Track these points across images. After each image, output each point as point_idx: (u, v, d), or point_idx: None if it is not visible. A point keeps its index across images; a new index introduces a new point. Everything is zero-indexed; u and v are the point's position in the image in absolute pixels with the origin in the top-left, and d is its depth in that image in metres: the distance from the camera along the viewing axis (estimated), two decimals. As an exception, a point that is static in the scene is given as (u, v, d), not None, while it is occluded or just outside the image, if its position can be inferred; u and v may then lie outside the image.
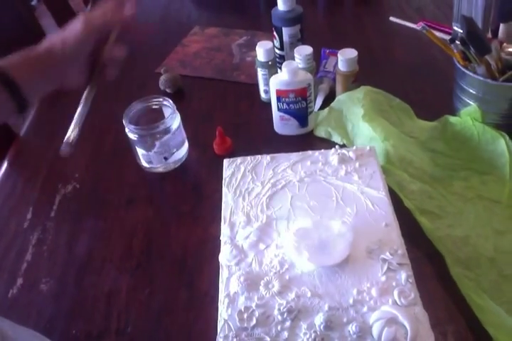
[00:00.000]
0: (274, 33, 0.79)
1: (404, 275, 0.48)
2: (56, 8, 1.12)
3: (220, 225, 0.58)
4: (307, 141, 0.72)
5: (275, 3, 0.76)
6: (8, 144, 0.78)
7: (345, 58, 0.71)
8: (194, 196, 0.65)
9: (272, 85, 0.69)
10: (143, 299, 0.53)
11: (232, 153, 0.70)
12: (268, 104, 0.79)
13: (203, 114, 0.78)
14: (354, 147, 0.63)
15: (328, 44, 0.84)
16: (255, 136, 0.74)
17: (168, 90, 0.82)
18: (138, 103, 0.68)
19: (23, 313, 0.53)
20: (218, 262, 0.53)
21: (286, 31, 0.77)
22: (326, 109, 0.74)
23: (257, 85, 0.80)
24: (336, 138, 0.71)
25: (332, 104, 0.74)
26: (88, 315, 0.53)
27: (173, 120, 0.66)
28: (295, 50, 0.74)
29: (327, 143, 0.70)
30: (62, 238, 0.61)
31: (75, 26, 0.51)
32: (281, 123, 0.72)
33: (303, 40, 0.79)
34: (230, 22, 1.02)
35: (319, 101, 0.76)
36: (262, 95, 0.79)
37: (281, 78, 0.68)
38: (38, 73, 0.49)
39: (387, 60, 0.87)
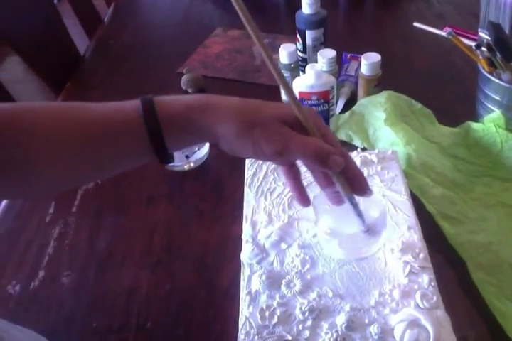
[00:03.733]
0: (298, 36, 0.80)
1: (426, 279, 0.48)
2: (80, 7, 1.14)
3: (241, 225, 0.58)
4: (328, 144, 0.72)
5: (298, 7, 0.77)
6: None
7: (368, 62, 0.71)
8: (215, 195, 0.65)
9: (295, 87, 0.69)
10: (163, 295, 0.54)
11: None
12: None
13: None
14: (376, 150, 0.63)
15: (350, 48, 0.84)
16: (276, 137, 0.74)
17: (189, 90, 0.83)
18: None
19: (44, 305, 0.54)
20: (239, 261, 0.53)
21: (309, 34, 0.78)
22: (348, 113, 0.75)
23: (278, 87, 0.80)
24: (357, 142, 0.71)
25: (354, 108, 0.74)
26: (108, 309, 0.53)
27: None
28: (318, 53, 0.74)
29: (348, 147, 0.71)
30: (83, 233, 0.61)
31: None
32: (303, 126, 0.72)
33: (325, 44, 0.80)
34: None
35: (340, 105, 0.76)
36: (284, 97, 0.80)
37: (304, 80, 0.69)
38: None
39: (409, 65, 0.87)
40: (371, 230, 0.46)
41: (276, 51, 0.92)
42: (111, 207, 0.65)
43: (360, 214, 0.44)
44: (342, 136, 0.72)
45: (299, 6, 0.77)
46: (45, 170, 0.37)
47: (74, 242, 0.60)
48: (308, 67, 0.68)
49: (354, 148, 0.70)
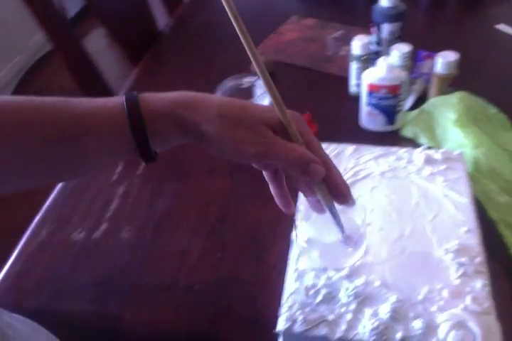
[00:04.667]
0: (373, 29, 0.79)
1: (480, 283, 0.47)
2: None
3: (295, 205, 0.60)
4: (391, 139, 0.71)
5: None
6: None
7: (445, 60, 0.70)
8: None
9: (365, 79, 0.69)
10: (213, 263, 0.56)
11: (315, 141, 0.71)
12: (356, 98, 0.79)
13: (291, 99, 0.79)
14: (442, 149, 0.62)
15: (425, 45, 0.82)
16: (341, 127, 0.75)
17: (260, 73, 0.85)
18: (231, 80, 0.70)
19: (102, 257, 0.58)
20: (289, 240, 0.55)
21: (386, 28, 0.77)
22: (417, 110, 0.74)
23: (347, 79, 0.81)
24: (423, 140, 0.70)
25: (424, 106, 0.73)
26: (160, 268, 0.56)
27: (264, 99, 0.68)
28: (393, 47, 0.73)
29: (412, 144, 0.70)
30: (145, 194, 0.65)
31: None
32: (369, 118, 0.72)
33: (401, 38, 0.79)
34: (327, 15, 1.02)
35: (410, 102, 0.75)
36: (352, 89, 0.80)
37: (375, 73, 0.68)
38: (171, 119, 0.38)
39: (486, 68, 0.84)
40: (350, 240, 0.46)
41: (351, 42, 0.93)
42: (173, 175, 0.68)
43: (339, 224, 0.43)
44: (408, 133, 0.71)
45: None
46: (27, 169, 0.37)
47: (136, 202, 0.63)
48: (380, 60, 0.68)
49: (418, 146, 0.70)
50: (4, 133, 0.35)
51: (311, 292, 0.48)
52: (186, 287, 0.54)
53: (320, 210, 0.44)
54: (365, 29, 0.96)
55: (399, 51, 0.72)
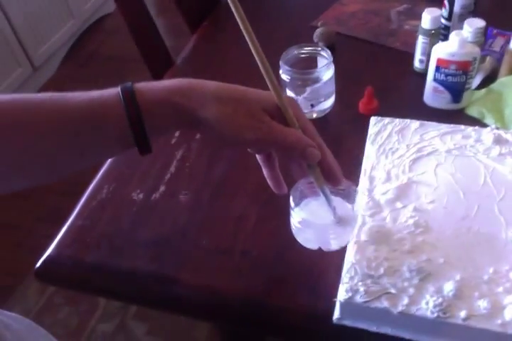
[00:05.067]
0: (445, 1, 0.75)
1: (549, 267, 0.46)
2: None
3: (355, 181, 0.59)
4: (456, 118, 0.69)
5: None
6: (166, 69, 0.84)
7: (523, 38, 0.66)
8: (333, 148, 0.64)
9: (434, 53, 0.66)
10: (270, 230, 0.56)
11: (376, 115, 0.70)
12: (420, 74, 0.76)
13: (352, 72, 0.78)
14: (513, 130, 0.59)
15: (498, 22, 0.78)
16: (402, 103, 0.72)
17: (320, 43, 0.82)
18: (295, 48, 0.69)
19: (161, 218, 0.59)
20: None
21: (459, 1, 0.73)
22: (484, 90, 0.70)
23: (411, 54, 0.78)
24: (489, 121, 0.67)
25: (492, 85, 0.70)
26: (218, 232, 0.56)
27: (328, 70, 0.67)
28: (466, 22, 0.70)
29: (478, 124, 0.67)
30: (203, 159, 0.65)
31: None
32: (434, 95, 0.70)
33: (474, 13, 0.75)
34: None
35: (478, 80, 0.72)
36: (416, 64, 0.77)
37: (446, 47, 0.65)
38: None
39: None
40: (342, 221, 0.46)
41: (417, 17, 0.89)
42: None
43: (331, 206, 0.45)
44: (474, 112, 0.69)
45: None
46: (27, 168, 0.37)
47: (194, 166, 0.64)
48: (453, 34, 0.64)
49: (484, 126, 0.67)
50: (4, 134, 0.36)
51: (373, 264, 0.47)
52: (243, 252, 0.54)
53: (313, 192, 0.46)
54: (431, 3, 0.92)
55: (472, 26, 0.69)
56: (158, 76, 0.90)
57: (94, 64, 1.98)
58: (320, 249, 0.50)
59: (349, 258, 0.48)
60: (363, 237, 0.50)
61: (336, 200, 0.46)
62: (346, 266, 0.48)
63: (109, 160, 0.66)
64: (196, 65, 0.85)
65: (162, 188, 0.61)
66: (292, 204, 0.48)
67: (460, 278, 0.46)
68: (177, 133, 0.69)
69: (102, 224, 0.58)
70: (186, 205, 0.60)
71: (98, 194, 0.62)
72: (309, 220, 0.48)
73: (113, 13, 2.20)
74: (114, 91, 0.37)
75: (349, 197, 0.48)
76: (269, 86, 0.39)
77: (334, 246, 0.50)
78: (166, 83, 0.39)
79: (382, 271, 0.47)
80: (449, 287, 0.45)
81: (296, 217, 0.48)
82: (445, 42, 0.66)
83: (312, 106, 0.68)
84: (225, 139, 0.39)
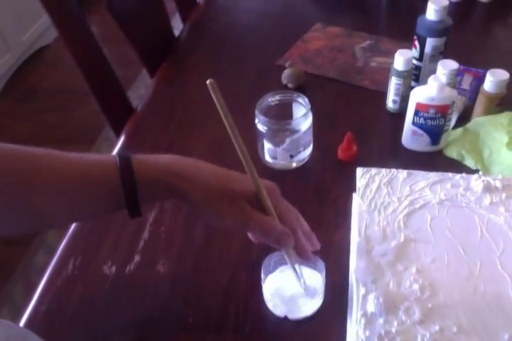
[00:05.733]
0: (416, 42, 0.75)
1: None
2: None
3: (344, 234, 0.56)
4: (436, 160, 0.68)
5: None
6: (126, 119, 0.78)
7: (495, 79, 0.66)
8: (316, 199, 0.62)
9: (413, 97, 0.65)
10: (263, 299, 0.51)
11: (356, 161, 0.67)
12: (395, 114, 0.75)
13: (325, 115, 0.75)
14: (500, 176, 0.59)
15: (466, 60, 0.78)
16: (380, 146, 0.71)
17: (289, 85, 0.80)
18: (270, 95, 0.65)
19: (138, 294, 0.52)
20: (341, 273, 0.51)
21: (430, 42, 0.73)
22: (460, 129, 0.70)
23: (382, 93, 0.77)
24: (470, 163, 0.66)
25: (468, 125, 0.70)
26: (206, 306, 0.51)
27: (306, 119, 0.63)
28: (440, 64, 0.69)
29: (458, 165, 0.66)
30: (179, 220, 0.59)
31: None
32: (413, 138, 0.68)
33: (444, 54, 0.75)
34: (351, 22, 0.98)
35: (453, 120, 0.72)
36: (390, 104, 0.75)
37: (425, 92, 0.64)
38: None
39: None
40: (311, 292, 0.49)
41: (382, 54, 0.88)
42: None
43: (301, 281, 0.48)
44: (453, 154, 0.68)
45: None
46: (13, 220, 0.40)
47: (170, 229, 0.58)
48: (431, 79, 0.64)
49: (464, 167, 0.66)
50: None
51: (386, 340, 0.44)
52: (236, 330, 0.49)
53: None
54: (393, 40, 0.93)
55: (445, 68, 0.68)
56: (110, 110, 0.83)
57: (36, 98, 1.85)
58: (286, 318, 0.49)
59: (359, 334, 0.44)
60: (370, 309, 0.46)
61: (306, 271, 0.50)
62: (356, 344, 0.44)
63: (72, 228, 0.59)
64: (159, 112, 0.79)
65: (137, 258, 0.55)
66: (262, 275, 0.49)
67: (476, 349, 0.43)
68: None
69: (71, 307, 0.51)
70: (167, 276, 0.53)
71: (63, 270, 0.54)
72: (280, 290, 0.50)
73: (52, 44, 2.09)
74: (112, 160, 0.41)
75: (318, 267, 0.50)
76: (251, 178, 0.42)
77: (302, 314, 0.49)
78: (164, 161, 0.43)
79: (395, 348, 0.43)
80: (467, 360, 0.42)
81: (268, 284, 0.49)
82: (423, 87, 0.65)
83: (291, 156, 0.64)
84: (208, 219, 0.44)
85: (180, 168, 0.43)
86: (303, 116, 0.62)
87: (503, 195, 0.56)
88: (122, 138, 0.74)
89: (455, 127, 0.71)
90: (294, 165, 0.66)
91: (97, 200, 0.42)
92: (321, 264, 0.49)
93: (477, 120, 0.69)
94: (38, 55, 2.04)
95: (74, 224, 0.59)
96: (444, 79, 0.67)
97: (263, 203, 0.43)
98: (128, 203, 0.41)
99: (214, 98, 0.38)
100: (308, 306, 0.49)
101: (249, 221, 0.43)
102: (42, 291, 0.52)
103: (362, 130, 0.72)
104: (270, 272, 0.51)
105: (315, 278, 0.50)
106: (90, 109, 1.63)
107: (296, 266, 0.47)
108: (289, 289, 0.49)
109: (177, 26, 1.06)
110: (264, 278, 0.49)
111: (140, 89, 1.79)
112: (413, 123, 0.67)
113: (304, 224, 0.47)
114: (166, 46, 0.94)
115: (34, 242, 1.34)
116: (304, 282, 0.49)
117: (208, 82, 0.37)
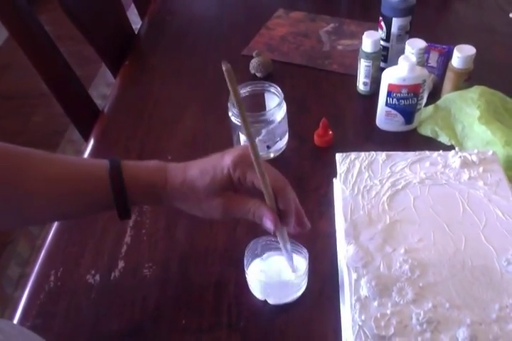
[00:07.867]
0: (381, 23, 0.75)
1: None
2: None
3: (328, 222, 0.56)
4: (411, 139, 0.68)
5: None
6: (92, 119, 0.75)
7: (462, 55, 0.67)
8: (298, 188, 0.61)
9: (385, 79, 0.65)
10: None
11: (332, 146, 0.67)
12: (366, 96, 0.75)
13: (297, 102, 0.74)
14: (475, 150, 0.59)
15: (434, 39, 0.78)
16: (355, 129, 0.70)
17: (258, 74, 0.79)
18: (242, 87, 0.64)
19: (126, 301, 0.50)
20: (330, 261, 0.51)
21: (396, 22, 0.73)
22: (431, 107, 0.71)
23: (352, 76, 0.76)
24: (444, 139, 0.67)
25: (438, 102, 0.70)
26: (197, 306, 0.50)
27: (280, 109, 0.62)
28: (407, 43, 0.70)
29: (432, 142, 0.67)
30: (160, 221, 0.58)
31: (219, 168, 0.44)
32: (386, 119, 0.68)
33: (410, 33, 0.75)
34: (313, 6, 0.97)
35: (424, 99, 0.72)
36: (360, 87, 0.75)
37: (396, 72, 0.64)
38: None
39: (502, 61, 0.81)
40: (299, 275, 0.49)
41: (347, 36, 0.88)
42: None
43: (291, 262, 0.49)
44: (427, 131, 0.68)
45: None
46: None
47: (152, 231, 0.56)
48: (401, 59, 0.64)
49: (439, 144, 0.67)
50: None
51: (382, 323, 0.43)
52: (230, 325, 0.48)
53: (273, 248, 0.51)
54: (356, 21, 0.92)
55: (414, 47, 0.68)
56: (73, 112, 0.79)
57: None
58: (266, 302, 0.50)
59: (355, 319, 0.44)
60: (363, 293, 0.46)
61: (294, 257, 0.50)
62: (354, 329, 0.43)
63: (49, 238, 0.56)
64: (127, 112, 0.76)
65: (121, 264, 0.53)
66: (246, 260, 0.49)
67: (470, 322, 0.44)
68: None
69: (57, 321, 0.49)
70: (154, 280, 0.52)
71: (44, 283, 0.52)
72: (265, 273, 0.50)
73: (1, 46, 2.00)
74: (103, 166, 0.43)
75: (303, 254, 0.50)
76: (254, 162, 0.40)
77: (283, 300, 0.50)
78: (151, 169, 0.45)
79: (392, 329, 0.43)
80: (462, 334, 0.43)
81: (254, 267, 0.50)
82: (394, 67, 0.65)
83: (268, 147, 0.63)
84: (196, 215, 0.46)
85: (165, 180, 0.44)
86: (277, 106, 0.61)
87: (480, 169, 0.57)
88: (92, 142, 0.71)
89: (426, 105, 0.71)
90: (272, 155, 0.65)
91: (88, 205, 0.44)
92: (305, 252, 0.49)
93: (447, 96, 0.70)
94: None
95: (51, 235, 0.57)
96: (413, 58, 0.68)
97: (263, 186, 0.42)
98: (118, 209, 0.43)
99: (229, 85, 0.35)
100: (291, 292, 0.49)
101: (231, 209, 0.44)
102: (24, 308, 0.50)
103: (335, 114, 0.72)
104: (257, 256, 0.51)
105: (300, 264, 0.50)
106: (48, 112, 1.57)
107: (288, 246, 0.47)
108: (275, 274, 0.50)
109: (134, 20, 1.03)
110: (250, 262, 0.49)
111: (101, 88, 1.74)
112: (386, 104, 0.67)
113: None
114: (125, 42, 0.91)
115: (4, 254, 1.28)
116: (293, 264, 0.49)
117: (224, 68, 0.34)
